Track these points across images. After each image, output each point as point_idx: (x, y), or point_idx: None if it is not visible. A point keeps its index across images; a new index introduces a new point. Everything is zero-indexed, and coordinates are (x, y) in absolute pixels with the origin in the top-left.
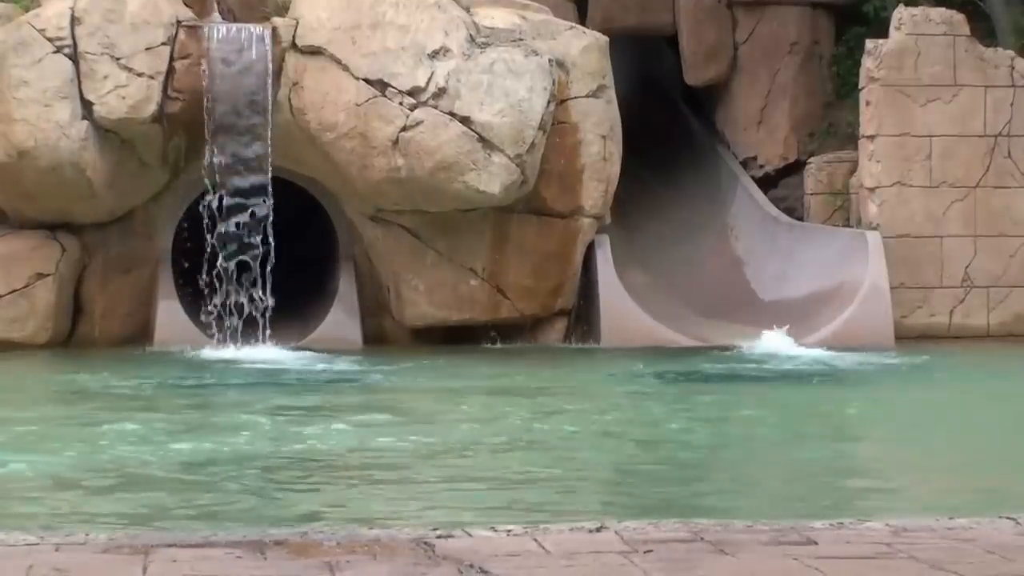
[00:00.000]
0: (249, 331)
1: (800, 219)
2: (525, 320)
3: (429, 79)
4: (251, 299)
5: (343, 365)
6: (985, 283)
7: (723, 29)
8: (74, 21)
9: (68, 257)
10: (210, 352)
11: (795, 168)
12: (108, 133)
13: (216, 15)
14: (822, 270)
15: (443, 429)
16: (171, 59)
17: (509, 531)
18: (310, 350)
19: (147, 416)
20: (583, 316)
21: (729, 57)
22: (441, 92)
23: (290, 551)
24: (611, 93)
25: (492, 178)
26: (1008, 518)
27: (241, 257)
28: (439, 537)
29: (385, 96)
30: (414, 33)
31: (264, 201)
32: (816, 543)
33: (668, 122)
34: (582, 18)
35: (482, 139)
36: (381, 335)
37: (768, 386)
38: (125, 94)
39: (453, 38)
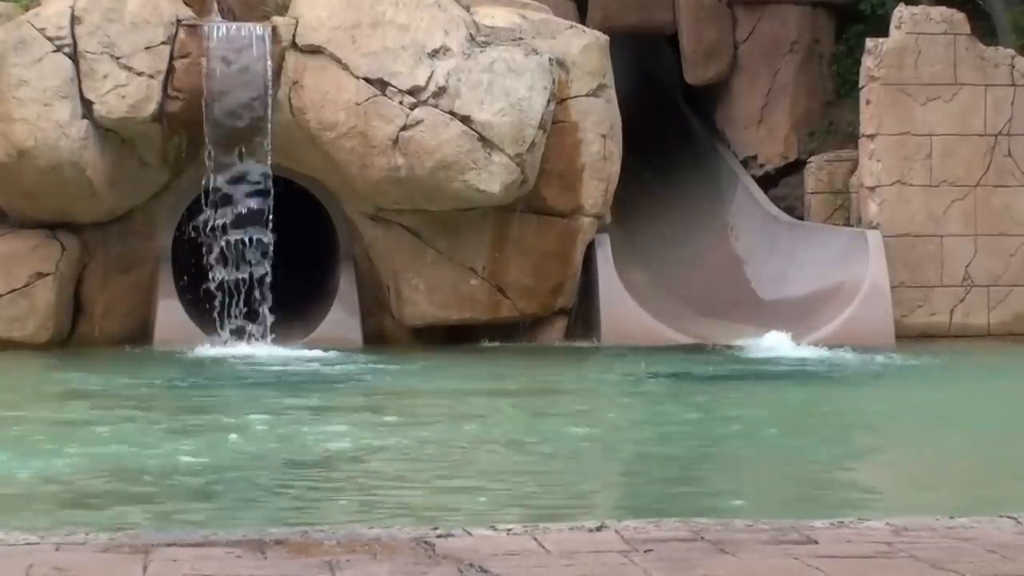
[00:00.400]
0: (249, 330)
1: (800, 218)
2: (525, 319)
3: (429, 78)
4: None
5: (343, 364)
6: (985, 282)
7: (723, 28)
8: (74, 20)
9: (68, 256)
10: (210, 351)
11: (795, 167)
12: (108, 132)
13: (216, 14)
14: (822, 269)
15: (443, 428)
16: (171, 58)
17: (509, 530)
18: (310, 349)
19: (147, 416)
20: (583, 315)
21: (729, 56)
22: (441, 91)
23: (290, 550)
24: (611, 92)
25: (492, 177)
26: (1008, 517)
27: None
28: (439, 536)
29: (385, 95)
30: (414, 32)
31: (265, 200)
32: (816, 542)
33: (668, 121)
34: (582, 17)
35: (482, 138)
36: (381, 334)
37: (769, 385)
38: (125, 93)
39: (453, 37)
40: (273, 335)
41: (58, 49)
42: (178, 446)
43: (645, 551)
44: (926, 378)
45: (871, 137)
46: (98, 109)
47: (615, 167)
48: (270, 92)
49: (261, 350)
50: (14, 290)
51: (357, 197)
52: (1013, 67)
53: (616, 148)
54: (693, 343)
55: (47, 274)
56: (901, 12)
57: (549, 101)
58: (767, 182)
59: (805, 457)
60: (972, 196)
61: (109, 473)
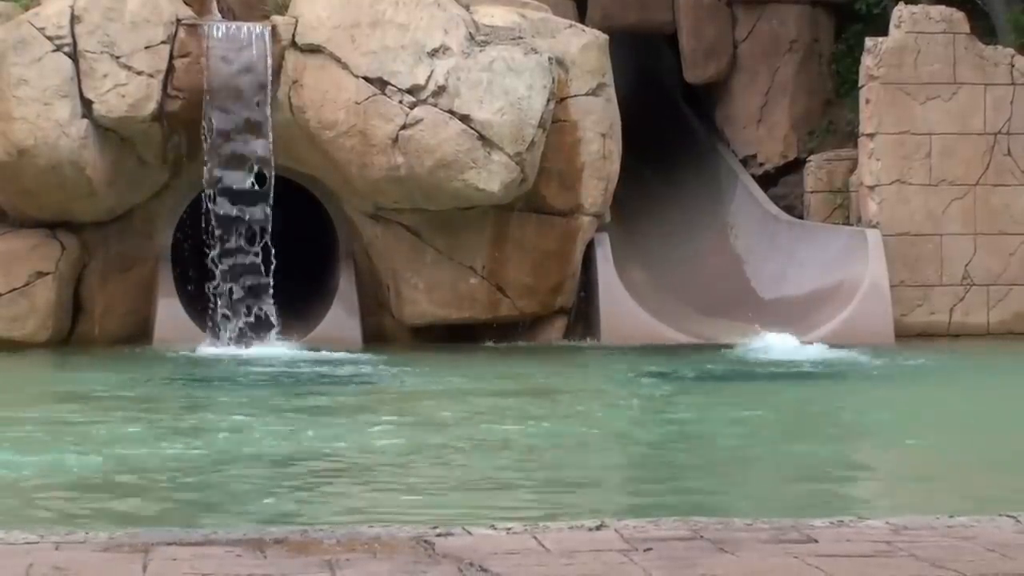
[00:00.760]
0: (249, 330)
1: (800, 217)
2: (525, 318)
3: (429, 77)
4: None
5: (343, 364)
6: (985, 281)
7: (723, 27)
8: (74, 20)
9: (68, 256)
10: (210, 351)
11: (795, 166)
12: (108, 132)
13: (216, 13)
14: (822, 268)
15: (442, 428)
16: (171, 58)
17: (509, 529)
18: (310, 348)
19: (146, 415)
20: (583, 314)
21: (729, 55)
22: (441, 90)
23: (290, 549)
24: (611, 91)
25: (492, 176)
26: (1008, 516)
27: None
28: (439, 535)
29: (385, 94)
30: (414, 31)
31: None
32: (816, 541)
33: (668, 120)
34: (582, 16)
35: (482, 137)
36: (381, 333)
37: (768, 384)
38: (125, 92)
39: (453, 36)
40: (272, 335)
41: (58, 48)
42: (177, 445)
43: (645, 550)
44: (926, 377)
45: (870, 136)
46: (98, 108)
47: (615, 166)
48: (270, 91)
49: (260, 349)
50: (14, 289)
51: (357, 196)
52: (1012, 66)
53: (616, 147)
54: (693, 342)
55: (47, 273)
56: (900, 11)
57: (549, 100)
58: (767, 181)
59: (805, 456)
60: (972, 195)
61: (109, 472)
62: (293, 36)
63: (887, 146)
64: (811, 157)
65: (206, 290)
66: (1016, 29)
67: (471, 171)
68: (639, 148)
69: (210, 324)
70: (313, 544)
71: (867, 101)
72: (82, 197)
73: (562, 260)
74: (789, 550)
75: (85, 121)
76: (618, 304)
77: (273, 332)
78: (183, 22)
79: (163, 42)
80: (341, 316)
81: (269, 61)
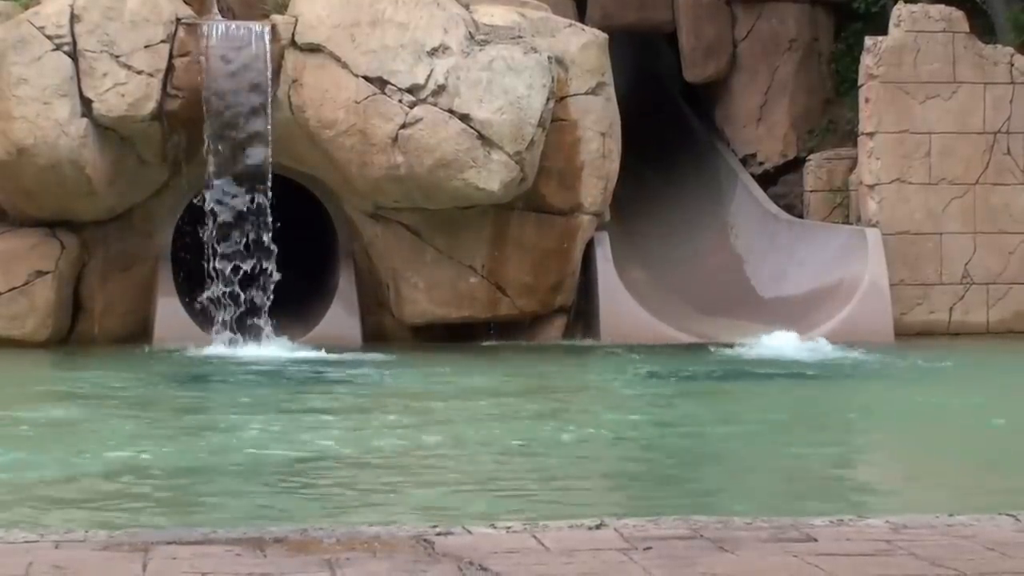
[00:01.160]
0: (249, 329)
1: (800, 216)
2: (524, 317)
3: (428, 76)
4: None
5: (342, 363)
6: (984, 280)
7: (722, 26)
8: (73, 19)
9: (68, 255)
10: (209, 350)
11: (794, 165)
12: (107, 131)
13: (215, 13)
14: (822, 267)
15: (442, 427)
16: (170, 57)
17: (509, 528)
18: (310, 348)
19: (146, 415)
20: (582, 313)
21: (728, 54)
22: (440, 89)
23: (290, 548)
24: (610, 90)
25: (491, 175)
26: (1008, 515)
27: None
28: (439, 534)
29: (384, 93)
30: (413, 30)
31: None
32: (816, 540)
33: (667, 119)
34: (581, 15)
35: (481, 136)
36: (381, 333)
37: (768, 383)
38: (124, 92)
39: (452, 35)
40: (272, 334)
41: (58, 47)
42: (177, 445)
43: (644, 549)
44: (925, 376)
45: (870, 135)
46: (97, 107)
47: (614, 165)
48: (269, 90)
49: (260, 349)
50: (14, 288)
51: (356, 195)
52: (1012, 65)
53: (615, 146)
54: (693, 341)
55: (46, 272)
56: (900, 10)
57: (548, 99)
58: (766, 180)
59: (804, 455)
60: (971, 194)
61: (108, 471)
62: (293, 35)
63: (887, 145)
64: (811, 156)
65: (206, 289)
66: (1016, 28)
67: (471, 170)
68: (639, 147)
69: (210, 323)
70: (313, 543)
71: (867, 100)
72: (82, 196)
73: (562, 259)
74: (789, 549)
75: (85, 120)
76: (618, 303)
77: (272, 332)
78: (183, 21)
79: (163, 41)
80: (341, 315)
81: (269, 60)
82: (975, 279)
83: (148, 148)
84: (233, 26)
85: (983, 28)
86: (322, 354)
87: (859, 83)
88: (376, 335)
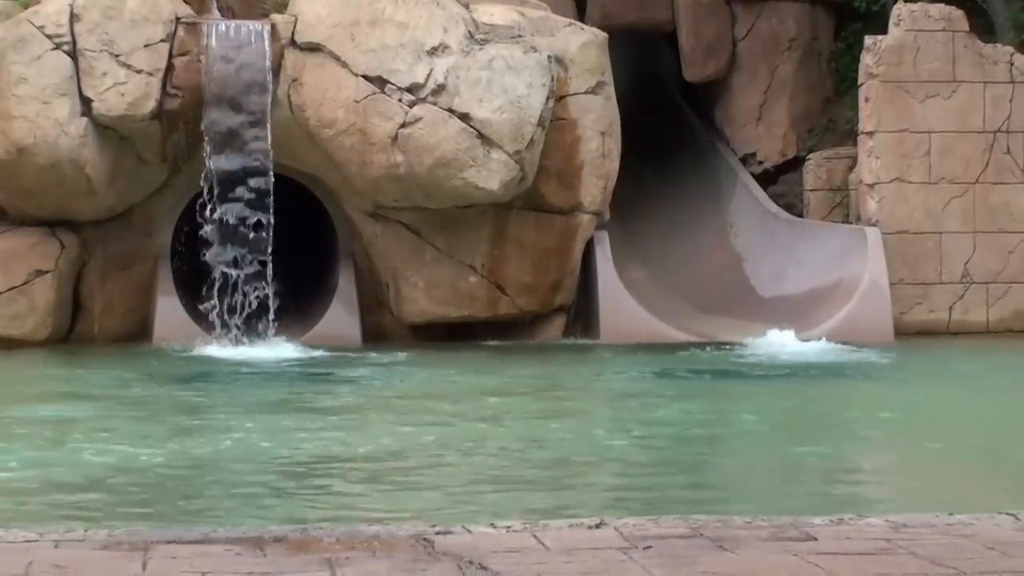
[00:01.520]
0: (249, 328)
1: (799, 215)
2: (524, 316)
3: (428, 76)
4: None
5: (342, 362)
6: (984, 279)
7: (722, 25)
8: (73, 18)
9: (67, 254)
10: (209, 349)
11: (794, 164)
12: (107, 130)
13: (215, 12)
14: (821, 266)
15: (442, 426)
16: (170, 56)
17: (508, 527)
18: (309, 347)
19: (145, 414)
20: (582, 312)
21: (728, 53)
22: (440, 89)
23: (289, 547)
24: (610, 90)
25: (491, 175)
26: (1008, 514)
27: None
28: (438, 533)
29: (384, 93)
30: (413, 30)
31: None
32: (816, 539)
33: (667, 119)
34: (581, 15)
35: (481, 136)
36: (380, 332)
37: (768, 382)
38: (124, 91)
39: (452, 35)
40: (272, 333)
41: (57, 47)
42: (176, 444)
43: (644, 548)
44: (925, 375)
45: (870, 134)
46: (97, 107)
47: (614, 164)
48: (269, 90)
49: (260, 348)
50: (13, 288)
51: (356, 195)
52: (1012, 64)
53: (615, 145)
54: (693, 340)
55: (46, 272)
56: (900, 9)
57: (548, 98)
58: (766, 179)
59: (804, 454)
60: (971, 193)
61: (108, 470)
62: (292, 34)
63: (886, 144)
64: (810, 155)
65: (205, 289)
66: (1015, 27)
67: (470, 169)
68: (638, 146)
69: (209, 323)
70: (312, 542)
71: (866, 99)
72: (81, 195)
73: (561, 258)
74: (789, 548)
75: (84, 119)
76: (617, 302)
77: (272, 331)
78: (182, 20)
79: (162, 40)
80: (341, 314)
81: (268, 60)
82: (975, 278)
83: (148, 147)
84: (233, 25)
85: (983, 27)
86: (322, 353)
87: (859, 82)
88: (376, 334)
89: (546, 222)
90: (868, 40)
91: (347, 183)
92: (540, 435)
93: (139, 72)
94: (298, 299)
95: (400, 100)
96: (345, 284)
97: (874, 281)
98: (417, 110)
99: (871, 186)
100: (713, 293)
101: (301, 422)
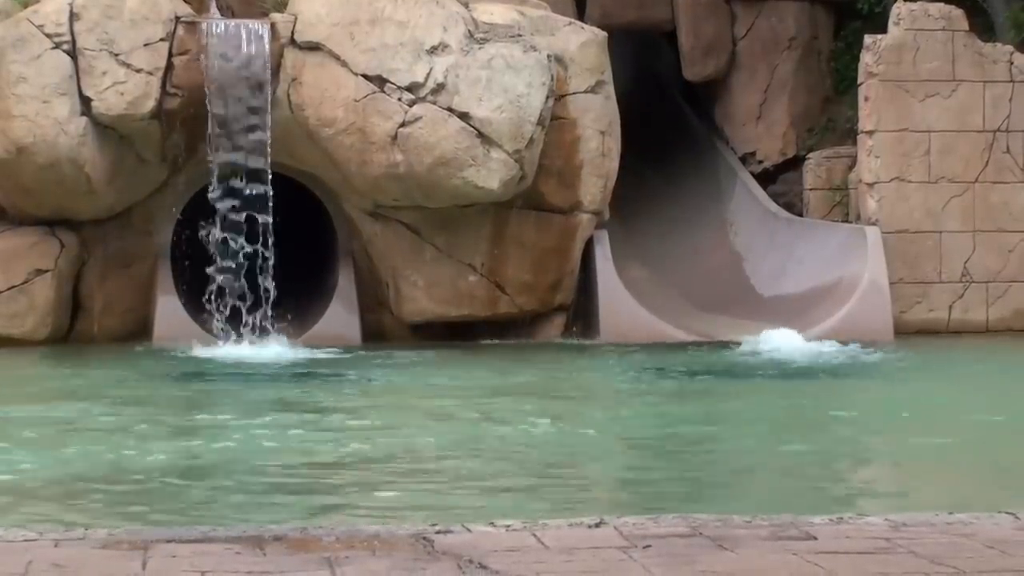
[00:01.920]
0: (248, 327)
1: (799, 215)
2: (524, 316)
3: (428, 75)
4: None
5: (342, 362)
6: (984, 278)
7: (722, 24)
8: (73, 17)
9: (67, 253)
10: (209, 349)
11: (794, 164)
12: (107, 129)
13: (214, 11)
14: (821, 266)
15: (442, 425)
16: (170, 55)
17: (508, 526)
18: (309, 346)
19: (145, 414)
20: (582, 312)
21: (728, 52)
22: (440, 88)
23: (289, 546)
24: (610, 89)
25: (491, 174)
26: (1007, 513)
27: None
28: (438, 532)
29: (384, 92)
30: (412, 29)
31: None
32: (815, 538)
33: (667, 118)
34: (581, 14)
35: (481, 135)
36: (380, 331)
37: (767, 381)
38: (124, 90)
39: (452, 34)
40: (271, 332)
41: (57, 46)
42: (176, 444)
43: (644, 547)
44: (925, 374)
45: (870, 133)
46: (97, 106)
47: (614, 163)
48: (269, 89)
49: (259, 348)
50: (13, 287)
51: (356, 194)
52: (1011, 63)
53: (615, 145)
54: (692, 339)
55: (46, 271)
56: (900, 8)
57: (548, 98)
58: (766, 178)
59: (804, 453)
60: (971, 192)
61: (107, 470)
62: (292, 34)
63: (886, 143)
64: (810, 154)
65: (205, 288)
66: (1015, 26)
67: (470, 169)
68: (638, 146)
69: (209, 322)
70: (312, 541)
71: (866, 98)
72: (81, 195)
73: (561, 257)
74: (788, 547)
75: (84, 119)
76: (617, 301)
77: (272, 330)
78: (182, 20)
79: (162, 40)
80: (340, 314)
81: (268, 59)
82: (974, 277)
83: (147, 147)
84: (232, 24)
85: (983, 26)
86: (321, 353)
87: (858, 81)
88: (375, 334)
89: (546, 221)
90: (868, 39)
91: (347, 182)
92: (540, 434)
93: (139, 71)
94: (298, 298)
95: (400, 99)
96: (345, 283)
97: (874, 280)
98: (417, 109)
99: (871, 185)
100: (713, 292)
101: (301, 421)
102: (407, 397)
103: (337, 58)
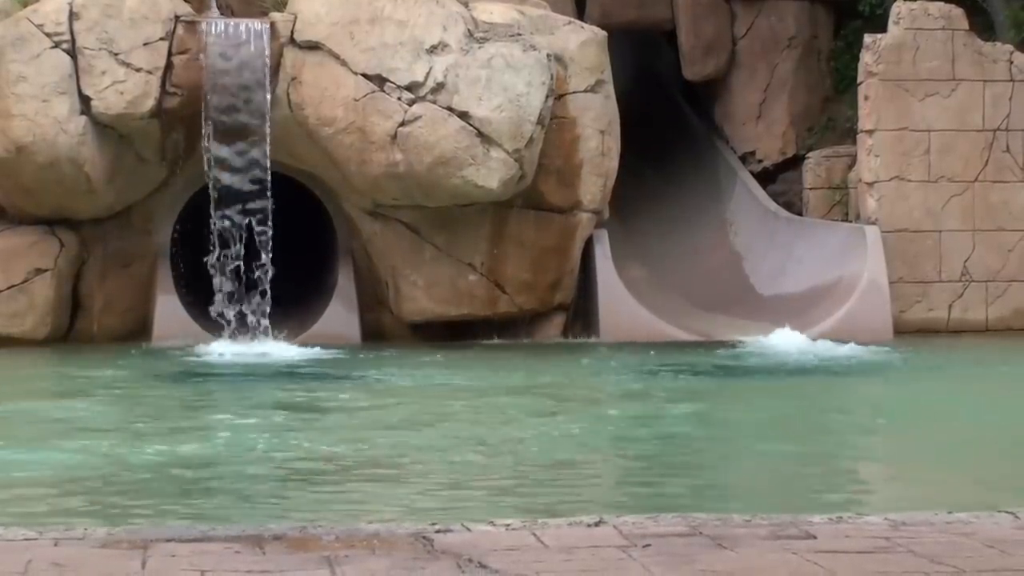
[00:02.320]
0: (248, 327)
1: (799, 214)
2: (523, 315)
3: (427, 74)
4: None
5: (342, 361)
6: (983, 277)
7: (721, 24)
8: (72, 16)
9: (67, 252)
10: (209, 348)
11: (794, 163)
12: (106, 129)
13: (214, 10)
14: (821, 265)
15: (441, 425)
16: (169, 54)
17: (508, 525)
18: (308, 345)
19: (144, 413)
20: (581, 311)
21: (727, 52)
22: (439, 87)
23: (289, 545)
24: (609, 88)
25: (490, 173)
26: (1007, 512)
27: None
28: (438, 531)
29: (383, 91)
30: (412, 28)
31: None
32: (815, 537)
33: (667, 117)
34: (580, 13)
35: (480, 134)
36: (380, 330)
37: (767, 380)
38: (123, 89)
39: (451, 33)
40: (271, 331)
41: (56, 45)
42: (176, 443)
43: (643, 546)
44: (925, 373)
45: (869, 133)
46: (96, 105)
47: (613, 163)
48: (268, 88)
49: (259, 347)
50: (12, 286)
51: (355, 193)
52: (1011, 63)
53: (614, 144)
54: (692, 339)
55: (45, 270)
56: (899, 8)
57: (547, 97)
58: (765, 178)
59: (803, 452)
60: (970, 192)
61: (107, 469)
62: (292, 33)
63: (886, 143)
64: (810, 154)
65: (205, 288)
66: (1015, 25)
67: (470, 168)
68: (638, 145)
69: (209, 321)
70: (312, 540)
71: (866, 98)
72: (81, 194)
73: (561, 257)
74: (788, 546)
75: (84, 118)
76: (617, 301)
77: (271, 330)
78: (181, 19)
79: (162, 39)
80: (340, 313)
81: (268, 58)
82: (974, 277)
83: (147, 146)
84: (232, 24)
85: (982, 26)
86: (321, 352)
87: (858, 81)
88: (375, 333)
89: (545, 221)
90: (867, 38)
91: (346, 181)
92: (539, 433)
93: (138, 70)
94: (297, 298)
95: (399, 98)
96: (344, 283)
97: (873, 279)
98: (416, 108)
99: (870, 184)
100: (713, 291)
101: (300, 420)
102: (407, 396)
103: (337, 57)
